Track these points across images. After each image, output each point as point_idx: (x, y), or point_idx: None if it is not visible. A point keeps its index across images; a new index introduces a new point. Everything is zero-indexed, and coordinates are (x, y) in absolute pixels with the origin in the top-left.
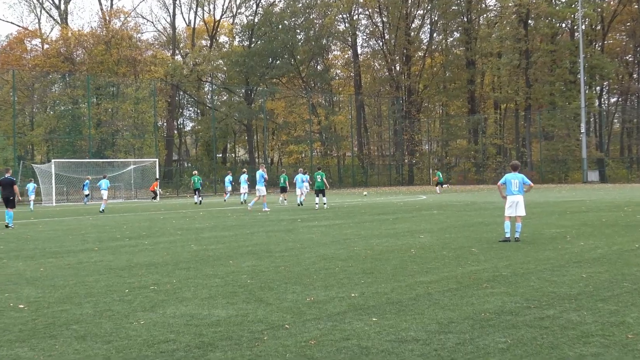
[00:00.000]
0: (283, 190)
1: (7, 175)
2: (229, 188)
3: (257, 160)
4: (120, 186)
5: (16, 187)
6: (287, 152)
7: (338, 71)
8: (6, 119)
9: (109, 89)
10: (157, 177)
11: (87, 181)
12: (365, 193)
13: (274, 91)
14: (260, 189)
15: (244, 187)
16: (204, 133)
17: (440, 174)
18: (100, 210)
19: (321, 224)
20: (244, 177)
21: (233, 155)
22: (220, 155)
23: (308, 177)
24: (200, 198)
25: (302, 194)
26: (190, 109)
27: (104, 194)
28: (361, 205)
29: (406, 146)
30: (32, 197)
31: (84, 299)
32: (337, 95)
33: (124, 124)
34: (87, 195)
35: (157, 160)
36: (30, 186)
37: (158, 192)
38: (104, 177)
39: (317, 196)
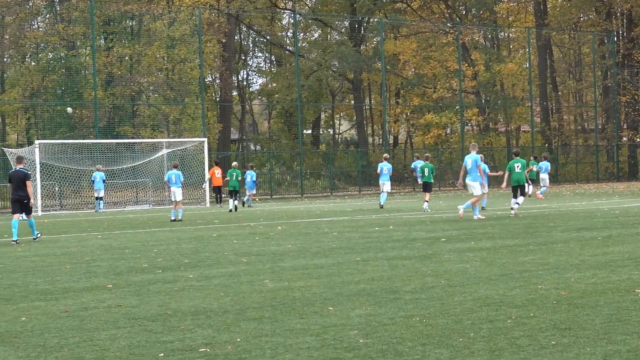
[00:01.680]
0: (427, 188)
1: (18, 167)
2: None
3: (371, 139)
4: (146, 183)
5: (29, 184)
6: (421, 126)
7: None
8: None
9: (125, 25)
10: (216, 160)
11: (99, 174)
12: None
13: (399, 24)
14: (474, 184)
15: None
16: (282, 95)
17: (535, 166)
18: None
19: (481, 246)
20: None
21: (330, 131)
22: (310, 131)
23: (486, 162)
24: (235, 202)
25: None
26: (260, 55)
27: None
28: (548, 215)
29: (625, 114)
30: None
31: None
32: (506, 29)
33: (151, 82)
34: (99, 199)
35: (205, 140)
36: None
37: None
38: (175, 167)
39: (516, 197)
